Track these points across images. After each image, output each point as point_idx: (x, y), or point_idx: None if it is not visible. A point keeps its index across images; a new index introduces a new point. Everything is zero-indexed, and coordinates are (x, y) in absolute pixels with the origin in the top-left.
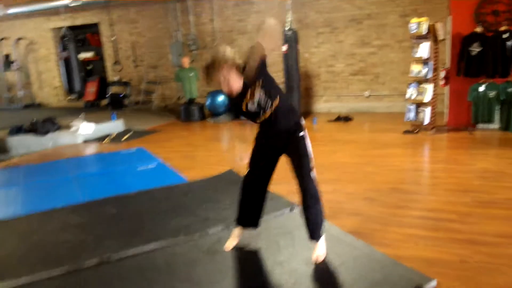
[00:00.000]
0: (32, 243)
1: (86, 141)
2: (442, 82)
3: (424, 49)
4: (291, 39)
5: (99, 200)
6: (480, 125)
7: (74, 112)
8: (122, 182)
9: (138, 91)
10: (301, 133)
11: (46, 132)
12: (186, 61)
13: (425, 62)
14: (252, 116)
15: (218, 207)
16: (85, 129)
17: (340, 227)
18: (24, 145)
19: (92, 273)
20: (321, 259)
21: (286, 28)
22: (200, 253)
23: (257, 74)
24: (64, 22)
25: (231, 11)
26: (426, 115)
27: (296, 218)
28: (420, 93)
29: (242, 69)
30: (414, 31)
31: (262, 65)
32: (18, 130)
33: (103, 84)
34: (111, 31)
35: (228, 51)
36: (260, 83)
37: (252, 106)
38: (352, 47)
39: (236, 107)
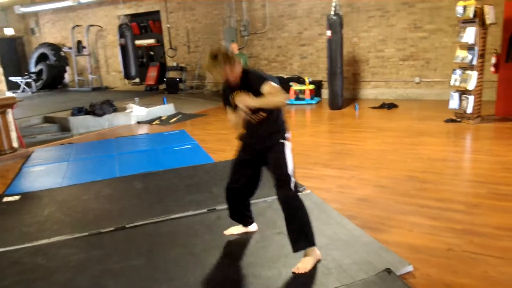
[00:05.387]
0: (66, 209)
1: (139, 122)
2: (492, 69)
3: (470, 34)
4: (336, 24)
5: (131, 175)
6: None
7: (134, 95)
8: (156, 160)
9: (193, 76)
10: (281, 140)
11: (103, 114)
12: (234, 47)
13: (470, 47)
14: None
15: None
16: (138, 111)
17: (340, 211)
18: (84, 125)
19: (107, 237)
20: (298, 271)
21: (331, 13)
22: (202, 226)
23: (253, 86)
24: (130, 9)
25: None
26: (469, 104)
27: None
28: (464, 80)
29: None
30: (461, 14)
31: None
32: (79, 111)
33: (163, 69)
34: (169, 18)
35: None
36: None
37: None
38: (403, 31)
39: (225, 94)
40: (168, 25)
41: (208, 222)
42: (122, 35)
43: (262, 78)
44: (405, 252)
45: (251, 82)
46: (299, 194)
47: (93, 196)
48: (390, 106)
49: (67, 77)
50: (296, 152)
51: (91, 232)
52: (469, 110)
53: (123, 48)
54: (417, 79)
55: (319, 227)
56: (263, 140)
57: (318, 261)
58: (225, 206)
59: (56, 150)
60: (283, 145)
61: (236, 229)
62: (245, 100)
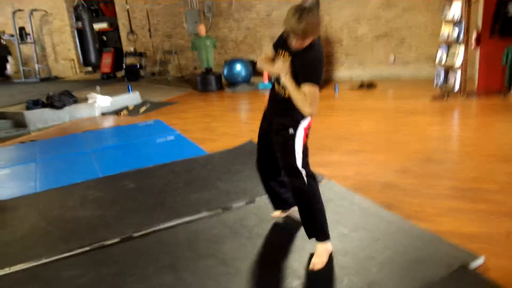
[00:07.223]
0: (52, 219)
1: (104, 114)
2: (473, 45)
3: (456, 9)
4: (311, 3)
5: (117, 174)
6: None
7: (91, 85)
8: (140, 155)
9: (154, 62)
10: (291, 130)
11: (62, 106)
12: (202, 29)
13: (456, 23)
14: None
15: (238, 179)
16: (102, 101)
17: (372, 201)
18: (42, 119)
19: (115, 250)
20: (317, 267)
21: None
22: (224, 229)
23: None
24: None
25: None
26: (457, 80)
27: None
28: (450, 56)
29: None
30: None
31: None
32: (35, 104)
33: (119, 55)
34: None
35: None
36: (291, 66)
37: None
38: (376, 10)
39: (280, 42)
40: (128, 6)
41: (228, 224)
42: (78, 18)
43: (313, 77)
44: (464, 242)
45: (302, 66)
46: (319, 184)
47: (79, 201)
48: (369, 86)
49: (9, 67)
50: None
51: (94, 246)
52: (457, 87)
53: (80, 33)
54: (391, 59)
55: (355, 221)
56: (276, 116)
57: (330, 253)
58: (241, 204)
59: (17, 149)
60: (292, 136)
61: (280, 212)
62: (282, 70)
